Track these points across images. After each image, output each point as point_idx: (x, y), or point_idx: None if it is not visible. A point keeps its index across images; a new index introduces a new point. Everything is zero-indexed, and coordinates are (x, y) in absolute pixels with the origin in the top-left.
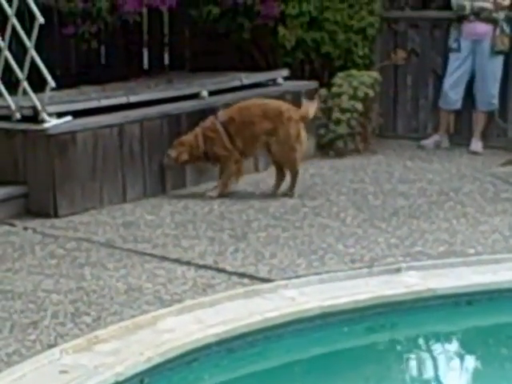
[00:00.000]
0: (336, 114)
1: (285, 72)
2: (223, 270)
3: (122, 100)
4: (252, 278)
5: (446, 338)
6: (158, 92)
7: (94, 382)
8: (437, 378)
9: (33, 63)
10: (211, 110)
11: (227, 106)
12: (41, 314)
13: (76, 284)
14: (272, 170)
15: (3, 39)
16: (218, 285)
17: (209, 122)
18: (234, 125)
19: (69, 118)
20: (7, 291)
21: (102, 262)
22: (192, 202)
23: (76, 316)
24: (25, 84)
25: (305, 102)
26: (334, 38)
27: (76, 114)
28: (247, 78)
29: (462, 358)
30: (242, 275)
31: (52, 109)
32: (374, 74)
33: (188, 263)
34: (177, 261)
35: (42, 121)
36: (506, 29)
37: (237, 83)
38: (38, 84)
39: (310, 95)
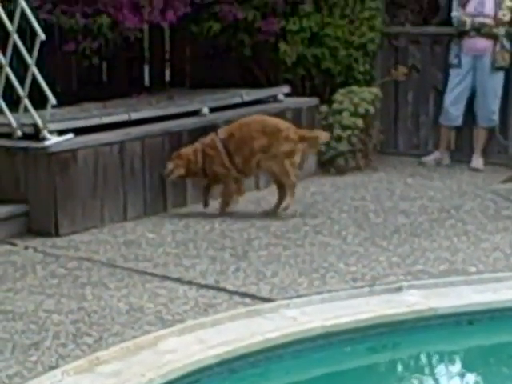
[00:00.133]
0: (337, 131)
1: (285, 88)
2: (224, 290)
3: (124, 117)
4: (253, 297)
5: (448, 357)
6: (159, 109)
7: None
8: None
9: (34, 80)
10: (212, 127)
11: (228, 122)
12: (42, 335)
13: (77, 304)
14: (273, 187)
15: (4, 56)
16: (219, 304)
17: (209, 138)
18: (234, 141)
19: (70, 135)
20: (8, 311)
21: (104, 281)
22: (193, 221)
23: (77, 337)
24: (26, 101)
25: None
26: (334, 53)
27: (77, 131)
28: (248, 95)
29: (463, 377)
30: (244, 295)
31: (53, 126)
32: (375, 90)
33: (189, 283)
34: (178, 280)
35: (43, 138)
36: (507, 44)
37: (237, 100)
38: (39, 101)
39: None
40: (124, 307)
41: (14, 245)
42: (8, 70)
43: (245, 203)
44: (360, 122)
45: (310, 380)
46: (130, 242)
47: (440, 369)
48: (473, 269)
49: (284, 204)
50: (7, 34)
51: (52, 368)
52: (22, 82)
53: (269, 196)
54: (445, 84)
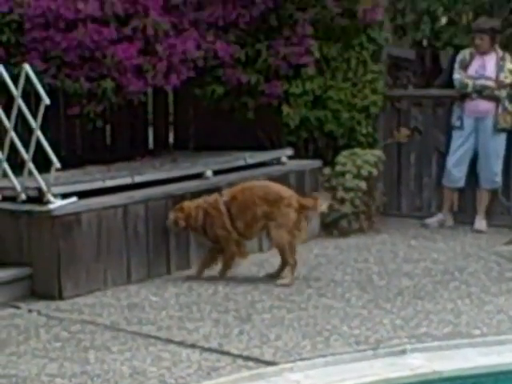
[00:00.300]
0: (340, 193)
1: (289, 151)
2: (228, 353)
3: (127, 180)
4: (257, 360)
5: None
6: (162, 172)
7: None
8: None
9: (38, 143)
10: (216, 190)
11: (231, 185)
12: None
13: (80, 368)
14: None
15: (9, 120)
16: (222, 368)
17: (212, 198)
18: (236, 204)
19: (74, 198)
20: (11, 375)
21: (107, 344)
22: (196, 284)
23: None
24: (30, 165)
25: (319, 195)
26: (337, 116)
27: (81, 194)
28: (251, 158)
29: None
30: (247, 358)
31: (57, 190)
32: (378, 152)
33: (193, 346)
34: (181, 343)
35: (47, 202)
36: (509, 106)
37: (241, 163)
38: (44, 164)
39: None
40: (127, 371)
41: (18, 308)
42: (13, 133)
43: (248, 266)
44: (363, 185)
45: None
46: (133, 305)
47: None
48: (477, 331)
49: (284, 281)
50: (12, 98)
51: None
52: (26, 146)
53: (272, 258)
54: (447, 146)
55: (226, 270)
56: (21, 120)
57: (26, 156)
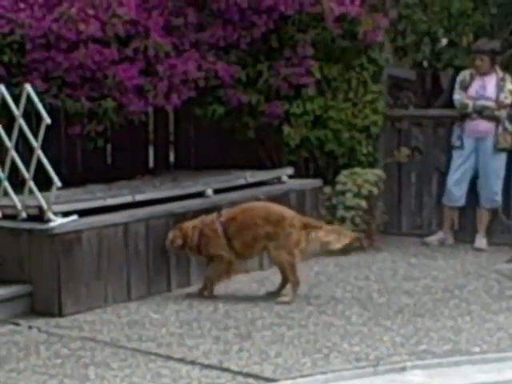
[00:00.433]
0: (340, 212)
1: (289, 170)
2: (228, 370)
3: (128, 199)
4: (257, 377)
5: None
6: (163, 191)
7: None
8: None
9: (39, 162)
10: (216, 209)
11: (232, 204)
12: None
13: None
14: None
15: (10, 139)
16: None
17: (209, 218)
18: (235, 225)
19: (74, 217)
20: None
21: (107, 361)
22: (197, 301)
23: None
24: (31, 183)
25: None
26: (338, 136)
27: (82, 212)
28: (252, 177)
29: None
30: (247, 375)
31: (57, 208)
32: (378, 171)
33: (193, 362)
34: (181, 360)
35: (48, 220)
36: (509, 126)
37: (242, 181)
38: (44, 183)
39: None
40: None
41: (18, 325)
42: (13, 152)
43: (248, 283)
44: (363, 203)
45: None
46: (133, 322)
47: None
48: (477, 349)
49: (285, 299)
50: (13, 118)
51: None
52: (27, 165)
53: (272, 276)
54: (447, 165)
55: (212, 287)
56: (22, 139)
57: (26, 175)
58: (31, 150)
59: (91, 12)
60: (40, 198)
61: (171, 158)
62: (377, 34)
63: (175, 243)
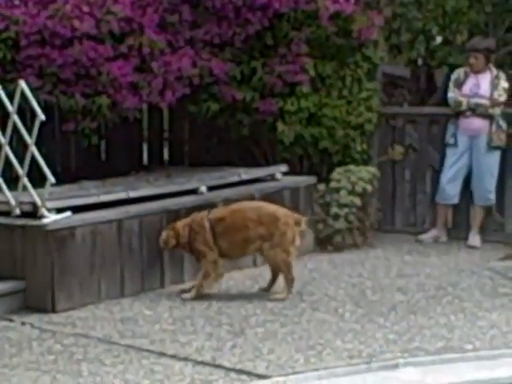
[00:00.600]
0: (334, 209)
1: (283, 167)
2: (221, 366)
3: (122, 195)
4: (250, 374)
5: None
6: (157, 187)
7: None
8: None
9: (33, 158)
10: (210, 206)
11: (226, 200)
12: None
13: (73, 381)
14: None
15: (4, 135)
16: (215, 381)
17: (199, 215)
18: (223, 226)
19: (68, 213)
20: None
21: (100, 357)
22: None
23: None
24: (25, 180)
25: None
26: (332, 133)
27: (75, 209)
28: (246, 174)
29: None
30: (240, 371)
31: (51, 204)
32: (372, 169)
33: (186, 359)
34: (174, 357)
35: (41, 216)
36: (502, 124)
37: (235, 178)
38: (38, 179)
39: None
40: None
41: (11, 321)
42: (7, 149)
43: (242, 280)
44: (357, 201)
45: None
46: (126, 318)
47: None
48: (469, 346)
49: (279, 296)
50: (7, 114)
51: None
52: (21, 161)
53: (266, 273)
54: (441, 163)
55: (200, 290)
56: (16, 136)
57: (20, 171)
58: (25, 146)
59: (86, 9)
60: (34, 195)
61: (165, 154)
62: (371, 31)
63: (169, 244)
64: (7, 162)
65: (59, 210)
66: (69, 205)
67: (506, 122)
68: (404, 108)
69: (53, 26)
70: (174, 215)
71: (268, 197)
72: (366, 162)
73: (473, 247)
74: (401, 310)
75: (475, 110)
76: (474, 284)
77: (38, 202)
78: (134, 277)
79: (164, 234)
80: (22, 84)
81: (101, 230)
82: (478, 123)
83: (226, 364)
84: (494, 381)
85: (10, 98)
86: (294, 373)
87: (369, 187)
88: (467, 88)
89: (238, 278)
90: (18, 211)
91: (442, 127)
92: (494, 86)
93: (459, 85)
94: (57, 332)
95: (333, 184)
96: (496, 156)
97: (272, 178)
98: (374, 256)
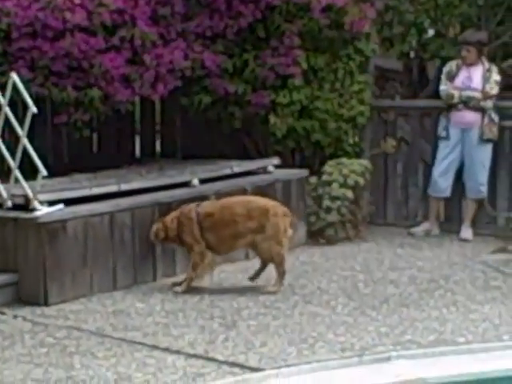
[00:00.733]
0: (326, 202)
1: (275, 160)
2: (213, 359)
3: (114, 188)
4: (242, 367)
5: None
6: (149, 180)
7: None
8: None
9: (25, 151)
10: (202, 198)
11: (218, 193)
12: None
13: (65, 373)
14: None
15: None
16: (207, 374)
17: (188, 208)
18: (211, 220)
19: (60, 206)
20: None
21: (92, 350)
22: None
23: None
24: (16, 172)
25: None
26: (324, 126)
27: (67, 201)
28: (238, 166)
29: None
30: (233, 364)
31: (43, 197)
32: (365, 162)
33: (178, 352)
34: (167, 350)
35: (33, 209)
36: (494, 117)
37: (228, 171)
38: (30, 172)
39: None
40: (112, 376)
41: (3, 314)
42: None
43: (234, 273)
44: (349, 194)
45: None
46: (119, 311)
47: None
48: (462, 339)
49: (271, 289)
50: None
51: None
52: (13, 154)
53: (258, 266)
54: (433, 156)
55: (190, 283)
56: (8, 128)
57: (12, 163)
58: (17, 138)
59: (77, 1)
60: (26, 187)
61: (157, 147)
62: (363, 24)
63: (158, 236)
64: None
65: (51, 203)
66: (61, 197)
67: (498, 115)
68: (396, 101)
69: (44, 18)
70: (166, 208)
71: (260, 189)
72: (358, 155)
73: (465, 240)
74: (393, 303)
75: (467, 103)
76: (466, 277)
77: (30, 194)
78: (127, 270)
79: (154, 227)
80: (14, 76)
81: (93, 223)
82: (470, 116)
83: (219, 357)
84: (486, 373)
85: (2, 90)
86: (287, 365)
87: (361, 180)
88: (459, 81)
89: (231, 271)
90: (9, 204)
91: (434, 120)
92: (485, 78)
93: (451, 78)
94: (49, 325)
95: (325, 177)
96: (488, 149)
97: (264, 170)
98: (366, 249)
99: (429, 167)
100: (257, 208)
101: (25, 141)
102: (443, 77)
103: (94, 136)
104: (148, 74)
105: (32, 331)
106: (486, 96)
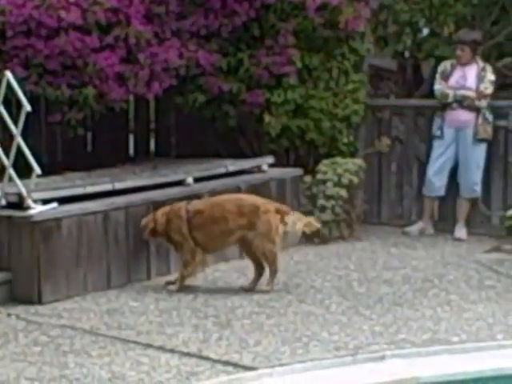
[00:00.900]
0: (321, 201)
1: (270, 159)
2: (207, 358)
3: (108, 187)
4: (236, 365)
5: None
6: (143, 179)
7: None
8: None
9: (19, 149)
10: (196, 197)
11: (212, 192)
12: None
13: (59, 372)
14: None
15: None
16: (201, 373)
17: (178, 205)
18: (200, 217)
19: (54, 204)
20: None
21: (86, 349)
22: None
23: None
24: (11, 171)
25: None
26: (318, 125)
27: (61, 200)
28: (232, 165)
29: None
30: (226, 363)
31: (37, 195)
32: (359, 161)
33: (172, 351)
34: (161, 348)
35: (27, 207)
36: (489, 117)
37: (222, 170)
38: (24, 170)
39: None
40: (106, 375)
41: None
42: None
43: (228, 272)
44: (344, 193)
45: None
46: (113, 310)
47: None
48: (455, 338)
49: (265, 288)
50: None
51: None
52: (7, 152)
53: (251, 267)
54: (428, 155)
55: (183, 281)
56: (2, 126)
57: (6, 162)
58: (11, 137)
59: None
60: (20, 186)
61: (152, 146)
62: (358, 23)
63: (147, 227)
64: None
65: (45, 201)
66: (55, 196)
67: (493, 115)
68: (391, 100)
69: (39, 16)
70: (160, 207)
71: (254, 188)
72: (352, 154)
73: (459, 239)
74: (387, 302)
75: (462, 103)
76: (460, 276)
77: (24, 193)
78: (121, 268)
79: (144, 221)
80: (8, 74)
81: (87, 222)
82: (464, 115)
83: (213, 356)
84: (480, 372)
85: None
86: (281, 365)
87: (355, 179)
88: (454, 80)
89: (225, 270)
90: (3, 202)
91: (428, 119)
92: (480, 78)
93: (446, 77)
94: (43, 323)
95: (319, 176)
96: (482, 148)
97: (258, 169)
98: (360, 248)
99: (423, 166)
100: (248, 205)
101: (19, 139)
102: (438, 76)
103: (88, 135)
104: (142, 73)
105: (26, 330)
106: (481, 95)
